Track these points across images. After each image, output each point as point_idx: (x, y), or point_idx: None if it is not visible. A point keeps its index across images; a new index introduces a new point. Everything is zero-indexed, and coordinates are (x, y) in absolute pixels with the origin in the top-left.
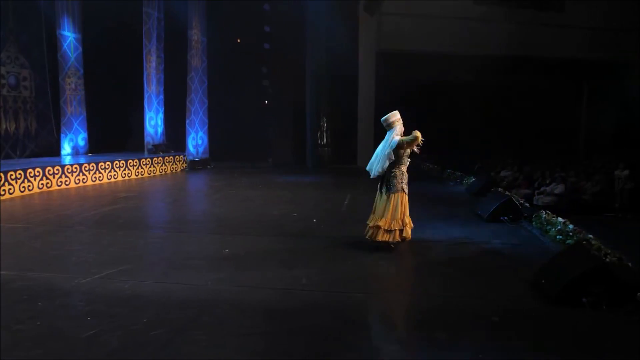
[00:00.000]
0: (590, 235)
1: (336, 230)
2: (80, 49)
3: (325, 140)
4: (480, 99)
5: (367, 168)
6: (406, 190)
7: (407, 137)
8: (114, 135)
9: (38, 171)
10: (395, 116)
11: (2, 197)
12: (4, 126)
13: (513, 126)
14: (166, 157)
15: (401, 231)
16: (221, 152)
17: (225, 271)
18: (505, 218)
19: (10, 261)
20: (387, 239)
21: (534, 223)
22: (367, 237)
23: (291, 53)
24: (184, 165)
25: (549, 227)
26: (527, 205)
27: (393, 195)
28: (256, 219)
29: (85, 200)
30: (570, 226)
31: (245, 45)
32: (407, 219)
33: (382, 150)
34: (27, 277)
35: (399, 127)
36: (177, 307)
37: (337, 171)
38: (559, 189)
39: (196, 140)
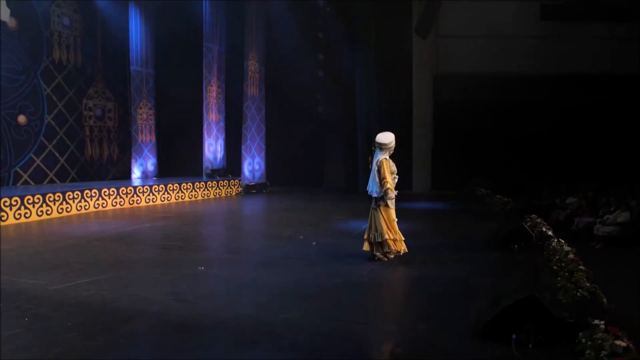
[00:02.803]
0: (582, 267)
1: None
2: (152, 83)
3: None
4: (548, 121)
5: (368, 190)
6: (390, 206)
7: (385, 166)
8: (179, 161)
9: (95, 191)
10: (391, 144)
11: (79, 212)
12: (90, 153)
13: (584, 149)
14: (220, 182)
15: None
16: (278, 177)
17: (181, 286)
18: (515, 246)
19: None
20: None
21: (545, 253)
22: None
23: (344, 79)
24: (239, 189)
25: (555, 257)
26: (550, 232)
27: (380, 209)
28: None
29: (121, 219)
30: (571, 256)
31: (300, 73)
32: (396, 234)
33: (372, 172)
34: (14, 281)
35: (387, 150)
36: (109, 314)
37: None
38: (622, 217)
39: (252, 165)
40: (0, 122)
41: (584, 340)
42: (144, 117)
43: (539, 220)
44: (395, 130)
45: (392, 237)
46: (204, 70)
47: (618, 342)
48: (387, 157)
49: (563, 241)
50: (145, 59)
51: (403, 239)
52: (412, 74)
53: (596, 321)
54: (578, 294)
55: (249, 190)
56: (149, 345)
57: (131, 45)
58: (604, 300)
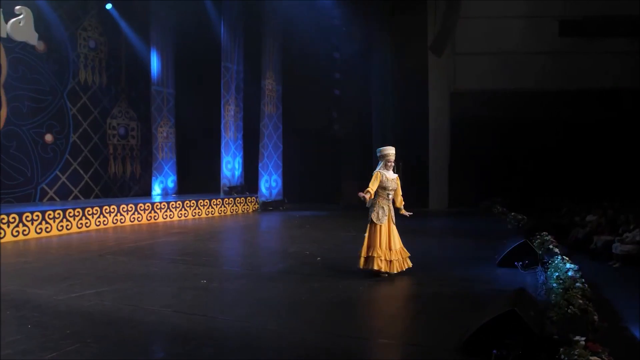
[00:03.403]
0: (579, 284)
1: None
2: (172, 102)
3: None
4: (566, 138)
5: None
6: (380, 222)
7: (374, 177)
8: (198, 178)
9: (113, 207)
10: (385, 151)
11: (98, 227)
12: (113, 170)
13: (604, 166)
14: (237, 198)
15: (389, 262)
16: (296, 194)
17: (188, 294)
18: (520, 264)
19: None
20: (371, 267)
21: (548, 270)
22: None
23: (359, 97)
24: (256, 206)
25: (555, 274)
26: (557, 249)
27: (369, 225)
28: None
29: (137, 234)
30: (570, 273)
31: (317, 91)
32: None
33: None
34: (24, 291)
35: (384, 163)
36: (107, 323)
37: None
38: None
39: (269, 183)
40: (28, 140)
41: (562, 356)
42: (165, 135)
43: (548, 237)
44: (411, 147)
45: (374, 255)
46: (221, 89)
47: (593, 358)
48: (382, 170)
49: (567, 258)
50: (165, 79)
51: (407, 255)
52: (428, 91)
53: (577, 337)
54: (569, 310)
55: (265, 207)
56: (139, 352)
57: (152, 66)
58: (595, 317)
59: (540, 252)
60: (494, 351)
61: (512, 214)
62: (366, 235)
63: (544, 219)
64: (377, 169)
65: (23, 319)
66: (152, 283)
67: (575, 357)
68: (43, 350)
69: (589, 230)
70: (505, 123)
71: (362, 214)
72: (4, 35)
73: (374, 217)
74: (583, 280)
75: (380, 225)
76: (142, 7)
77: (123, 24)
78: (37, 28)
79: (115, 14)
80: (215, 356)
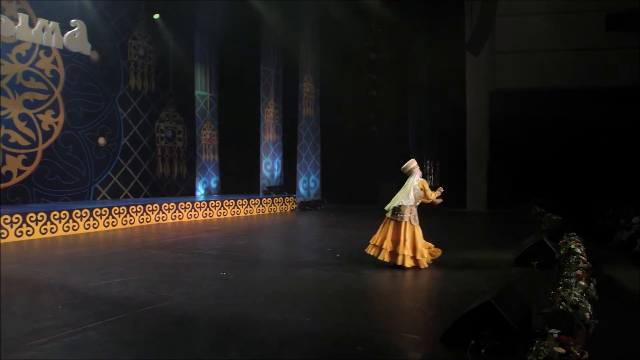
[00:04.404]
0: (583, 282)
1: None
2: (215, 106)
3: (430, 184)
4: (613, 136)
5: (387, 207)
6: (414, 222)
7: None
8: (240, 179)
9: (156, 205)
10: (413, 163)
11: (141, 224)
12: (161, 171)
13: None
14: (275, 198)
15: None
16: (335, 195)
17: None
18: (536, 262)
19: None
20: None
21: (564, 269)
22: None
23: (396, 98)
24: (294, 205)
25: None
26: (579, 249)
27: (402, 222)
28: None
29: (176, 231)
30: (578, 271)
31: (354, 93)
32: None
33: (403, 191)
34: (63, 278)
35: (419, 173)
36: (126, 306)
37: (444, 215)
38: None
39: (307, 183)
40: (83, 143)
41: (534, 347)
42: (208, 137)
43: (574, 236)
44: (448, 148)
45: (404, 253)
46: (260, 92)
47: (557, 349)
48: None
49: (584, 258)
50: (209, 84)
51: (424, 256)
52: (465, 90)
53: (552, 330)
54: (561, 306)
55: (303, 207)
56: (148, 331)
57: (196, 71)
58: (587, 315)
59: (561, 252)
60: (472, 342)
61: (548, 214)
62: (409, 235)
63: (583, 219)
64: (420, 179)
65: (55, 301)
66: (175, 273)
67: (542, 348)
68: (65, 326)
69: (633, 232)
70: (547, 122)
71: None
72: (5, 34)
73: (412, 219)
74: (593, 279)
75: (415, 226)
76: (187, 16)
77: (170, 33)
78: (92, 39)
79: (162, 23)
80: (214, 338)
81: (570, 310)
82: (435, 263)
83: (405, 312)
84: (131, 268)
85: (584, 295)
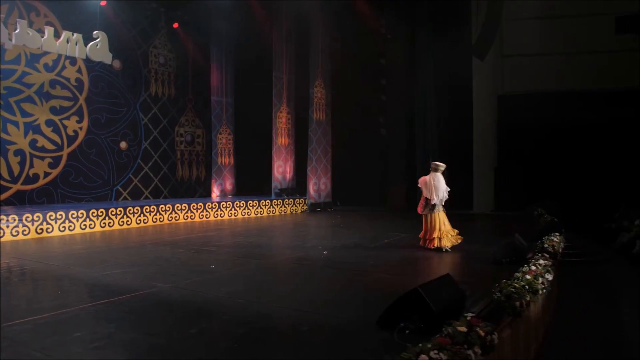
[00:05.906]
0: (529, 277)
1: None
2: (231, 110)
3: None
4: (621, 140)
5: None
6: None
7: None
8: (255, 181)
9: (169, 206)
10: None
11: (155, 224)
12: (181, 174)
13: None
14: (286, 200)
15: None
16: (345, 197)
17: (196, 276)
18: (507, 260)
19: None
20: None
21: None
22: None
23: (405, 102)
24: (305, 207)
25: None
26: (552, 249)
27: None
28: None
29: (187, 229)
30: (533, 267)
31: (364, 97)
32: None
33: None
34: (69, 269)
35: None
36: (118, 292)
37: (449, 217)
38: None
39: (318, 185)
40: (106, 147)
41: (450, 327)
42: (224, 141)
43: (557, 238)
44: (454, 150)
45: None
46: (273, 98)
47: (460, 328)
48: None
49: (547, 255)
50: (225, 89)
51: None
52: (472, 94)
53: (468, 314)
54: (495, 296)
55: (313, 208)
56: (128, 312)
57: (213, 77)
58: (517, 304)
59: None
60: (401, 323)
61: (546, 216)
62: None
63: (588, 222)
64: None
65: (58, 287)
66: (170, 266)
67: (451, 327)
68: (60, 307)
69: (634, 234)
70: (556, 125)
71: (402, 216)
72: (3, 40)
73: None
74: (547, 274)
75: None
76: (204, 25)
77: (189, 41)
78: (115, 48)
79: (181, 32)
80: (182, 318)
81: (503, 299)
82: (425, 256)
83: (368, 301)
84: (133, 262)
85: (527, 287)
